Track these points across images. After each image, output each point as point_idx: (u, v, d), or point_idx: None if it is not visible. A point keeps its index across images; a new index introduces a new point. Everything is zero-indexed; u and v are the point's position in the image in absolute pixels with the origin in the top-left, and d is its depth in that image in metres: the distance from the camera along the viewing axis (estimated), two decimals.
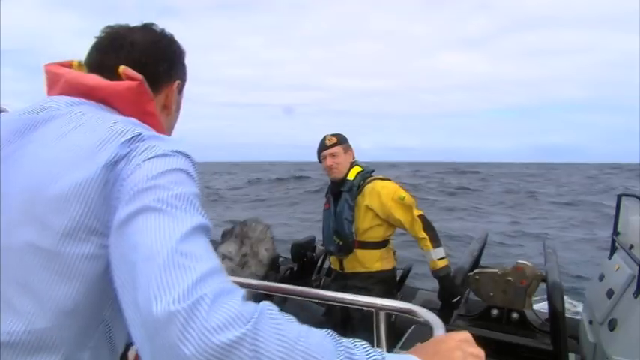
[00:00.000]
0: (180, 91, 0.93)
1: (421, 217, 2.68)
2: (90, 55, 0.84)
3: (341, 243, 2.80)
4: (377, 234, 2.77)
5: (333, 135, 2.88)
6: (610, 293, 2.80)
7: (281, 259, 3.60)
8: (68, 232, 0.63)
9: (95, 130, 0.69)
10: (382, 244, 2.80)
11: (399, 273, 3.91)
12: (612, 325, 2.53)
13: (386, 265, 2.80)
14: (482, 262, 3.92)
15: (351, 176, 2.81)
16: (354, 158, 2.91)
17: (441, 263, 2.66)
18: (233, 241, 1.00)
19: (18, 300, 0.62)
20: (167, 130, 0.89)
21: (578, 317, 3.56)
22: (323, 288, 3.08)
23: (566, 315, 3.26)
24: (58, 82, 0.79)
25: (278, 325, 0.51)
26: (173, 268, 0.52)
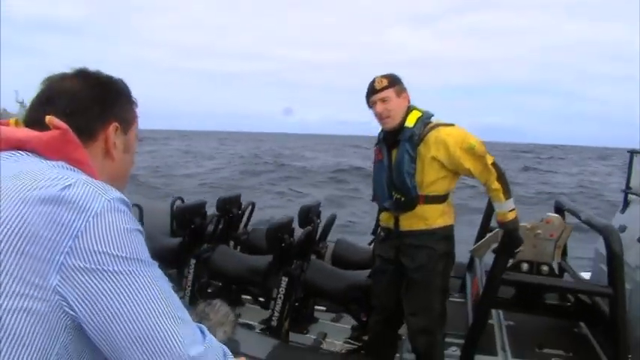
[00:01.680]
0: (125, 131, 0.90)
1: (495, 165, 2.44)
2: (28, 110, 0.86)
3: (402, 199, 2.51)
4: (441, 187, 2.52)
5: (383, 76, 2.52)
6: None
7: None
8: (10, 289, 0.64)
9: (24, 185, 0.70)
10: (445, 197, 2.56)
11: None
12: None
13: (447, 220, 2.58)
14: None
15: (409, 122, 2.49)
16: (409, 102, 2.57)
17: (511, 215, 2.49)
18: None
19: None
20: (114, 176, 0.88)
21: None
22: (375, 246, 2.93)
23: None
24: None
25: None
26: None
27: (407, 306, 2.63)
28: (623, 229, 3.15)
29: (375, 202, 2.77)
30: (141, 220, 3.96)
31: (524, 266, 3.16)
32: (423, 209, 2.52)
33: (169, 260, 3.59)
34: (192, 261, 3.37)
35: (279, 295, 3.19)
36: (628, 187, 3.34)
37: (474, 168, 2.44)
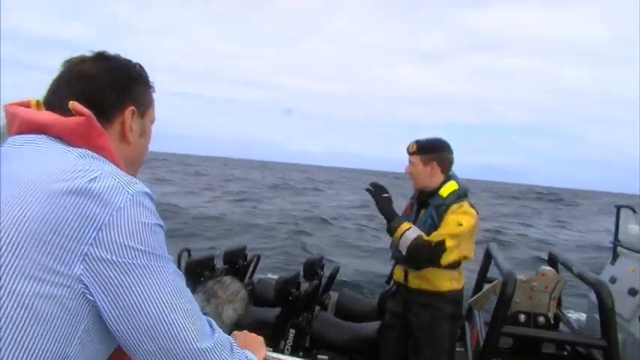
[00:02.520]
0: (142, 115, 0.91)
1: (441, 244, 2.43)
2: (48, 91, 0.87)
3: None
4: (453, 256, 2.49)
5: (417, 142, 2.62)
6: (633, 292, 2.98)
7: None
8: (37, 275, 0.67)
9: (54, 171, 0.73)
10: (455, 265, 2.55)
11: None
12: None
13: (456, 285, 2.61)
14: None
15: (444, 193, 2.56)
16: (447, 171, 2.63)
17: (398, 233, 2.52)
18: (199, 297, 1.15)
19: None
20: (130, 160, 0.90)
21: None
22: (383, 299, 3.04)
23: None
24: (15, 121, 0.83)
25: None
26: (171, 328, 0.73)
27: None
28: (613, 280, 3.33)
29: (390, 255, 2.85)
30: None
31: (522, 317, 3.30)
32: (430, 272, 2.56)
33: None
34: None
35: (286, 347, 3.28)
36: (617, 239, 3.54)
37: (442, 228, 2.49)
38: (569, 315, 3.93)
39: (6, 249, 0.67)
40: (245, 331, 1.04)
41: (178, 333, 0.72)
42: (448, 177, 2.65)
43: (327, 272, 4.03)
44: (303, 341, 3.36)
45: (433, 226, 2.54)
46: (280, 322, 3.35)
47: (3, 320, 0.66)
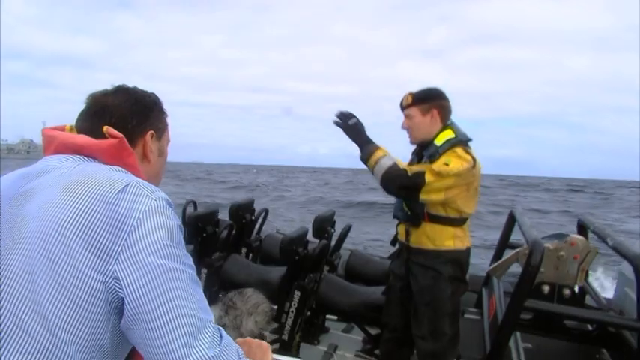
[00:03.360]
0: (159, 138, 1.05)
1: (421, 174, 2.29)
2: (78, 120, 1.00)
3: (409, 213, 2.47)
4: (452, 210, 2.41)
5: (411, 93, 2.48)
6: None
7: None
8: (79, 269, 0.76)
9: (90, 182, 0.84)
10: (457, 221, 2.44)
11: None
12: None
13: (458, 243, 2.46)
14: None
15: (438, 141, 2.43)
16: (446, 120, 2.48)
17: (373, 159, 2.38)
18: (218, 307, 1.12)
19: (31, 323, 0.75)
20: (151, 176, 1.01)
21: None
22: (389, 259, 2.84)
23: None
24: (53, 143, 0.95)
25: None
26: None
27: (415, 328, 2.55)
28: None
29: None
30: None
31: (546, 288, 3.05)
32: (432, 228, 2.43)
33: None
34: (204, 271, 3.31)
35: (291, 309, 3.13)
36: None
37: (427, 169, 2.32)
38: (596, 286, 3.65)
39: (58, 242, 0.77)
40: (248, 338, 1.05)
41: (186, 338, 0.76)
42: (446, 126, 2.48)
43: (337, 230, 3.82)
44: (309, 304, 3.19)
45: None
46: (285, 283, 3.18)
47: (56, 309, 0.75)
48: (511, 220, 3.59)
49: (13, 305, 0.75)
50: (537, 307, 2.61)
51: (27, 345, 0.74)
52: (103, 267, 0.77)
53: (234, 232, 3.74)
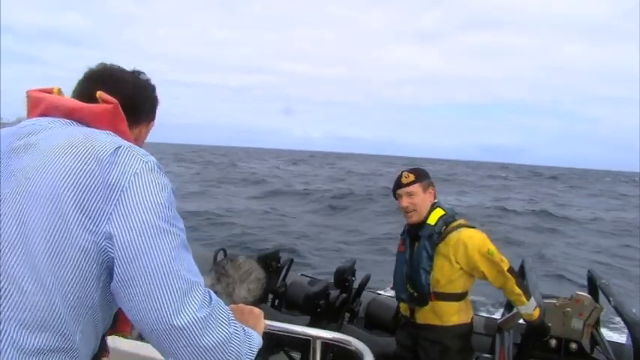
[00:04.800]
0: (150, 126, 1.10)
1: (511, 270, 2.44)
2: (81, 83, 0.99)
3: (415, 294, 2.53)
4: (457, 286, 2.51)
5: (410, 170, 2.57)
6: None
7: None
8: (71, 230, 0.77)
9: (82, 142, 0.84)
10: (461, 295, 2.54)
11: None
12: None
13: (463, 318, 2.55)
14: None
15: (431, 220, 2.49)
16: (435, 198, 2.58)
17: (537, 313, 2.51)
18: (209, 275, 1.14)
19: (25, 282, 0.76)
20: None
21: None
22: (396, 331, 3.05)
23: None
24: (39, 105, 0.93)
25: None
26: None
27: None
28: None
29: (393, 292, 2.81)
30: None
31: (553, 342, 3.22)
32: (438, 306, 2.52)
33: None
34: None
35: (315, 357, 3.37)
36: None
37: (488, 273, 2.45)
38: (609, 336, 3.76)
39: (50, 203, 0.78)
40: (241, 305, 1.05)
41: (175, 300, 0.77)
42: (434, 205, 2.57)
43: (358, 279, 4.07)
44: (330, 353, 3.43)
45: (429, 258, 2.49)
46: None
47: (48, 268, 0.76)
48: (521, 272, 3.76)
49: (7, 264, 0.75)
50: None
51: (20, 302, 0.75)
52: (94, 227, 0.77)
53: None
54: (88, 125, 0.90)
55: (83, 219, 0.77)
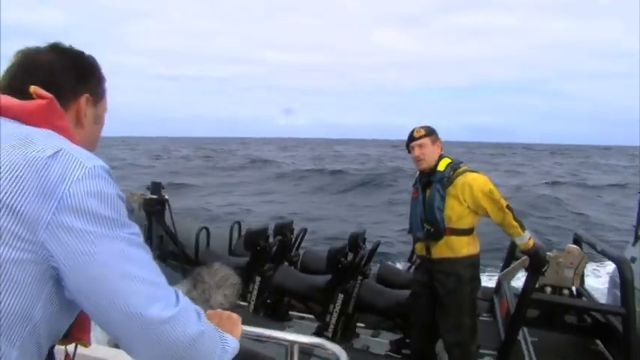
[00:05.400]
0: (96, 104, 0.97)
1: (508, 207, 2.88)
2: (2, 78, 0.90)
3: (432, 230, 2.95)
4: (466, 222, 2.93)
5: (421, 127, 3.02)
6: None
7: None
8: (4, 240, 0.71)
9: (18, 143, 0.76)
10: (469, 230, 2.97)
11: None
12: None
13: (472, 250, 2.98)
14: None
15: (441, 167, 2.95)
16: (442, 150, 3.04)
17: (531, 242, 2.96)
18: (186, 282, 1.18)
19: None
20: (85, 143, 0.92)
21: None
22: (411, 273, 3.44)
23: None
24: None
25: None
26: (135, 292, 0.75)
27: (441, 324, 3.08)
28: (633, 260, 3.67)
29: (410, 234, 3.25)
30: (208, 241, 4.54)
31: (548, 290, 3.68)
32: (450, 240, 2.94)
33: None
34: (258, 278, 3.91)
35: (335, 310, 3.71)
36: (638, 223, 3.88)
37: (490, 209, 2.89)
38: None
39: None
40: (219, 310, 1.03)
41: (137, 302, 0.75)
42: (442, 156, 3.03)
43: (368, 246, 4.45)
44: (349, 305, 3.78)
45: (441, 198, 2.93)
46: (330, 288, 3.78)
47: None
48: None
49: None
50: (542, 298, 3.22)
51: None
52: (31, 236, 0.72)
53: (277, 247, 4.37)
54: (26, 123, 0.82)
55: (17, 227, 0.71)
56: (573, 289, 3.69)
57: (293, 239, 4.68)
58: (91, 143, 0.97)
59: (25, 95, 0.84)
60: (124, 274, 0.75)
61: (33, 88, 0.84)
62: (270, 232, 4.33)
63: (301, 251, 4.85)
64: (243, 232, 5.19)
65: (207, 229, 4.49)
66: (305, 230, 4.86)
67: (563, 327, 3.55)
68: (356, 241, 4.15)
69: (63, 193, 0.73)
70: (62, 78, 0.90)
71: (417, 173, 3.15)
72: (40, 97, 0.84)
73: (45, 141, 0.78)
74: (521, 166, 37.94)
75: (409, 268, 3.95)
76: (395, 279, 4.35)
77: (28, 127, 0.81)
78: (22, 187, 0.72)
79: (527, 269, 3.22)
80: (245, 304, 3.97)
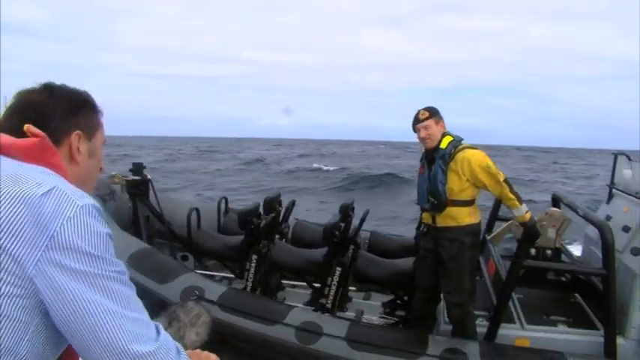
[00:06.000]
0: (89, 138, 0.99)
1: (506, 181, 3.12)
2: (2, 119, 0.94)
3: (435, 202, 3.22)
4: (466, 194, 3.19)
5: (425, 109, 3.23)
6: (626, 229, 3.58)
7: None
8: None
9: (13, 179, 0.79)
10: (470, 202, 3.23)
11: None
12: (635, 252, 3.31)
13: (474, 219, 3.25)
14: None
15: (443, 145, 3.19)
16: (445, 128, 3.28)
17: (528, 216, 3.19)
18: (162, 319, 1.17)
19: None
20: (81, 179, 0.96)
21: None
22: (417, 239, 3.58)
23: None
24: None
25: None
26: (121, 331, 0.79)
27: (443, 286, 3.36)
28: (608, 218, 3.93)
29: (418, 205, 3.49)
30: (199, 221, 4.51)
31: (532, 251, 3.91)
32: (452, 210, 3.22)
33: (231, 257, 4.20)
34: (254, 256, 3.95)
35: (332, 283, 3.83)
36: (612, 182, 4.12)
37: (488, 182, 3.14)
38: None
39: None
40: (197, 350, 1.06)
41: (120, 338, 0.78)
42: (444, 134, 3.25)
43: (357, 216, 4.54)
44: (347, 277, 3.91)
45: (443, 172, 3.17)
46: (327, 261, 3.88)
47: None
48: (498, 200, 4.42)
49: None
50: (534, 265, 3.44)
51: None
52: (20, 272, 0.74)
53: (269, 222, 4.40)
54: (20, 162, 0.85)
55: (7, 262, 0.74)
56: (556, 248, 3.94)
57: (282, 211, 4.72)
58: (87, 177, 1.01)
59: (20, 135, 0.88)
60: (109, 310, 0.78)
61: (27, 127, 0.88)
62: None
63: (291, 222, 4.90)
64: (230, 207, 5.19)
65: (197, 210, 4.45)
66: (294, 202, 4.90)
67: (545, 284, 3.82)
68: (347, 211, 4.23)
69: (54, 230, 0.76)
70: (51, 117, 0.93)
71: (423, 150, 3.37)
72: (34, 135, 0.88)
73: (39, 178, 0.81)
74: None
75: (417, 235, 4.09)
76: (386, 246, 4.50)
77: (24, 164, 0.84)
78: (13, 222, 0.75)
79: (519, 240, 3.42)
80: (242, 283, 4.05)
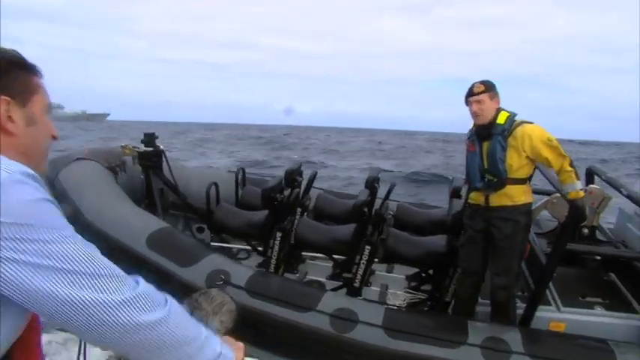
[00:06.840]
0: (23, 104, 0.88)
1: (567, 153, 2.99)
2: None
3: (494, 180, 3.08)
4: (524, 171, 3.08)
5: (481, 82, 3.07)
6: None
7: None
8: None
9: None
10: (525, 180, 3.13)
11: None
12: None
13: (529, 198, 3.16)
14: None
15: (501, 120, 3.05)
16: (499, 104, 3.12)
17: (581, 194, 3.06)
18: (184, 307, 1.07)
19: None
20: (21, 149, 0.87)
21: None
22: (464, 220, 3.40)
23: None
24: None
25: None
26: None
27: (492, 267, 3.24)
28: None
29: (466, 185, 3.35)
30: (217, 195, 4.33)
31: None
32: (510, 189, 3.09)
33: (254, 235, 4.06)
34: (278, 233, 3.80)
35: (362, 261, 3.70)
36: None
37: (551, 156, 3.00)
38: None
39: None
40: (226, 336, 1.04)
41: (96, 320, 0.74)
42: (499, 109, 3.10)
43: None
44: (377, 255, 3.78)
45: (503, 149, 3.04)
46: (356, 239, 3.74)
47: None
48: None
49: None
50: (577, 249, 3.31)
51: None
52: None
53: (292, 196, 4.23)
54: None
55: None
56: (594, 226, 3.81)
57: (304, 182, 4.54)
58: (31, 149, 0.90)
59: None
60: (59, 274, 0.73)
61: None
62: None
63: (312, 194, 4.73)
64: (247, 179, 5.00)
65: (216, 184, 4.26)
66: (315, 173, 4.70)
67: (580, 262, 3.71)
68: (373, 184, 4.06)
69: None
70: None
71: (472, 126, 3.20)
72: None
73: None
74: None
75: (456, 213, 3.85)
76: (414, 219, 4.36)
77: None
78: None
79: (562, 223, 3.26)
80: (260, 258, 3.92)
